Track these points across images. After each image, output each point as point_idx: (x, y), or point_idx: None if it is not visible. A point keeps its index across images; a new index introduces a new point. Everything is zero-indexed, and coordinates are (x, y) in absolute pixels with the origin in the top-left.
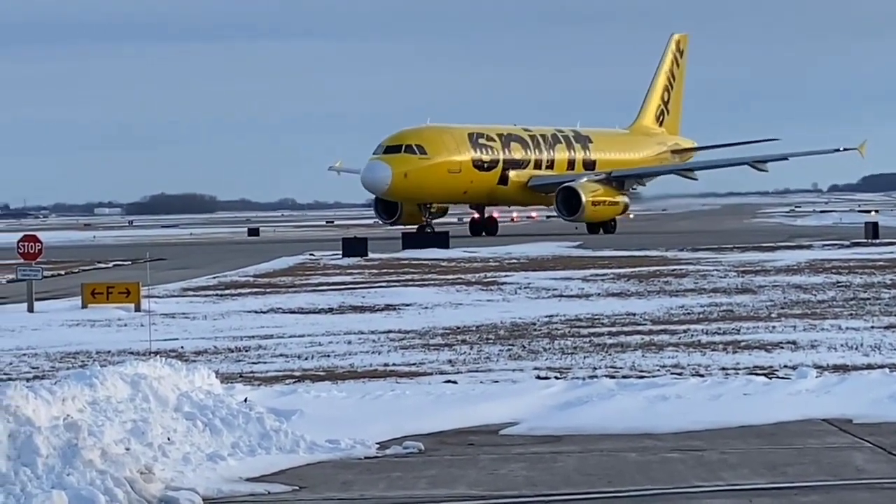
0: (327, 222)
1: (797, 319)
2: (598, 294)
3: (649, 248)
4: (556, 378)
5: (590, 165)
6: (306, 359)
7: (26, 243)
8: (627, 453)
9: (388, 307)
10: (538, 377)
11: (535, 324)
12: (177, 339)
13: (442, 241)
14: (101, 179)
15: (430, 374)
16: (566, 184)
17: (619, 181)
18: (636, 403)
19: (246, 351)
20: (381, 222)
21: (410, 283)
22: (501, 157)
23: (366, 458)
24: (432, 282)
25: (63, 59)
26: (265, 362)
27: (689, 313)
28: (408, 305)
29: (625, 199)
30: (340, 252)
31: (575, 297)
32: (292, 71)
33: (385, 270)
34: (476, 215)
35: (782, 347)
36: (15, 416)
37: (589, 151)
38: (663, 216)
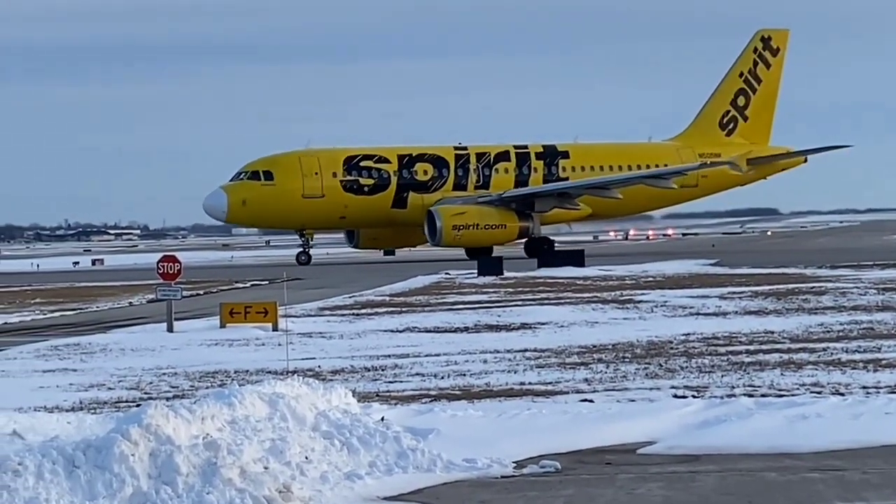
0: None
1: None
2: (736, 312)
3: (787, 265)
4: (694, 397)
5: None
6: (442, 378)
7: (166, 264)
8: (767, 473)
9: (523, 326)
10: (675, 396)
11: (671, 342)
12: (314, 358)
13: (577, 259)
14: None
15: (567, 392)
16: (431, 206)
17: (520, 202)
18: (775, 423)
19: (382, 370)
20: (349, 245)
21: (546, 301)
22: (395, 179)
23: (502, 477)
24: (568, 300)
25: (191, 78)
26: (401, 381)
27: (828, 331)
28: (543, 324)
29: (520, 223)
30: (476, 271)
31: (712, 315)
32: (416, 89)
33: (520, 289)
34: None
35: None
36: (156, 436)
37: (557, 168)
38: (802, 233)
